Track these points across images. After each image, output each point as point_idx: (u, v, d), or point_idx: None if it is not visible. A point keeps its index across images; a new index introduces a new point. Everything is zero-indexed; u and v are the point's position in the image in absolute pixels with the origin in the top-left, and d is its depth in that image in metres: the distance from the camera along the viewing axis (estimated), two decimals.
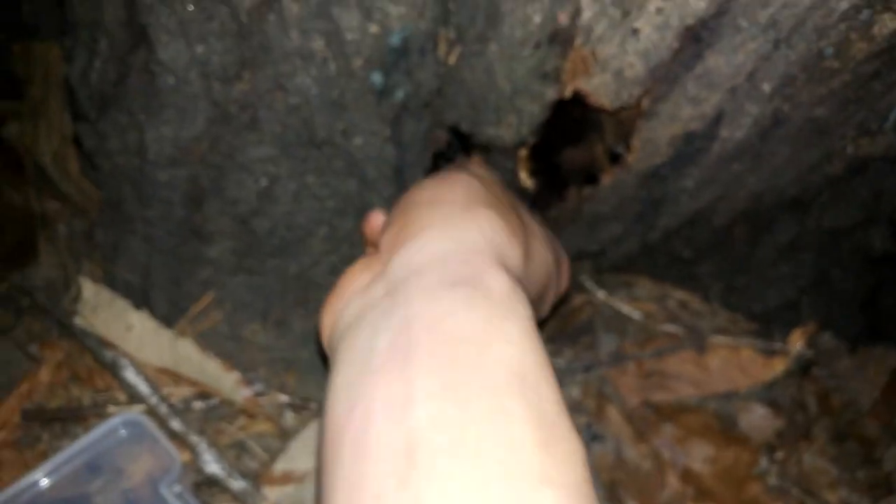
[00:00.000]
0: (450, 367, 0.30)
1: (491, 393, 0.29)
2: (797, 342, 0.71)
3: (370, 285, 0.37)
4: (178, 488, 0.53)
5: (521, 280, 0.37)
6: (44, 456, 0.55)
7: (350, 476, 0.29)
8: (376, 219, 0.47)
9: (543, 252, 0.45)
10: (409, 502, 0.27)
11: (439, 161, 0.63)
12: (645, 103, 0.53)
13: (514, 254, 0.38)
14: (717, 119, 0.52)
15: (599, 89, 0.53)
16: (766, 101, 0.50)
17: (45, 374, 0.57)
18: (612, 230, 0.66)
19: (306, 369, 0.60)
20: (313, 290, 0.58)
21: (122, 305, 0.57)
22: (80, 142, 0.58)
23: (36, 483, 0.51)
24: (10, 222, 0.64)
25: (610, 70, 0.51)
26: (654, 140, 0.56)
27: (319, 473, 0.32)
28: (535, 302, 0.42)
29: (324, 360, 0.60)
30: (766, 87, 0.48)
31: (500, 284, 0.34)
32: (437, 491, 0.27)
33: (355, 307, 0.36)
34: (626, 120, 0.58)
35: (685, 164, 0.57)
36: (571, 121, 0.60)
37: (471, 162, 0.56)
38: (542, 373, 0.31)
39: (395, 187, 0.57)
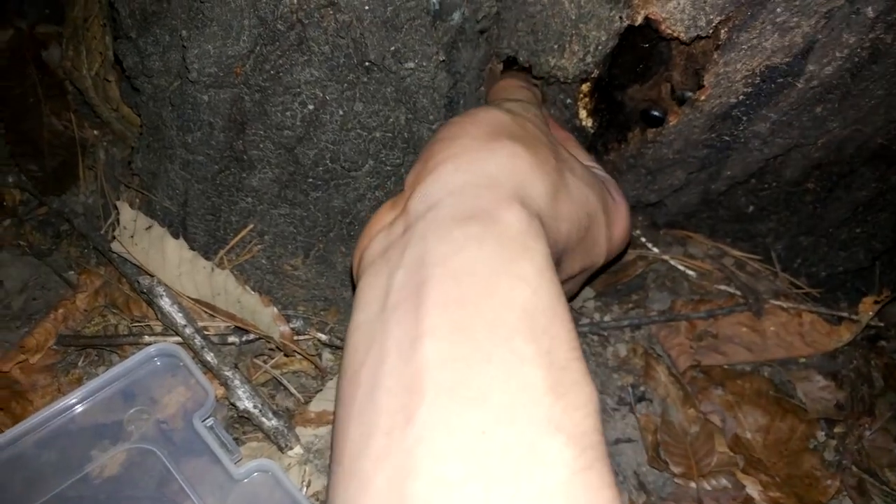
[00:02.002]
0: (459, 306, 0.30)
1: (500, 333, 0.29)
2: (867, 311, 0.66)
3: (393, 223, 0.36)
4: (210, 422, 0.52)
5: (545, 217, 0.36)
6: (79, 382, 0.54)
7: (365, 411, 0.29)
8: None
9: (583, 190, 0.42)
10: (414, 439, 0.27)
11: None
12: (723, 32, 0.49)
13: (538, 189, 0.36)
14: (806, 51, 0.48)
15: (674, 15, 0.48)
16: (867, 30, 0.45)
17: (81, 301, 0.55)
18: (673, 178, 0.62)
19: (347, 309, 0.58)
20: (357, 226, 0.56)
21: (159, 233, 0.55)
22: (121, 62, 0.56)
23: (70, 408, 0.50)
24: (51, 147, 0.63)
25: None
26: (730, 76, 0.51)
27: (337, 409, 0.33)
28: (568, 243, 0.40)
29: None
30: (870, 12, 0.43)
31: (515, 219, 0.33)
32: (441, 430, 0.27)
33: (378, 245, 0.36)
34: (700, 53, 0.53)
35: (762, 104, 0.53)
36: (639, 54, 0.56)
37: (509, 86, 0.53)
38: (556, 314, 0.30)
39: (446, 119, 0.54)
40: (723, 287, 0.71)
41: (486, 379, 0.27)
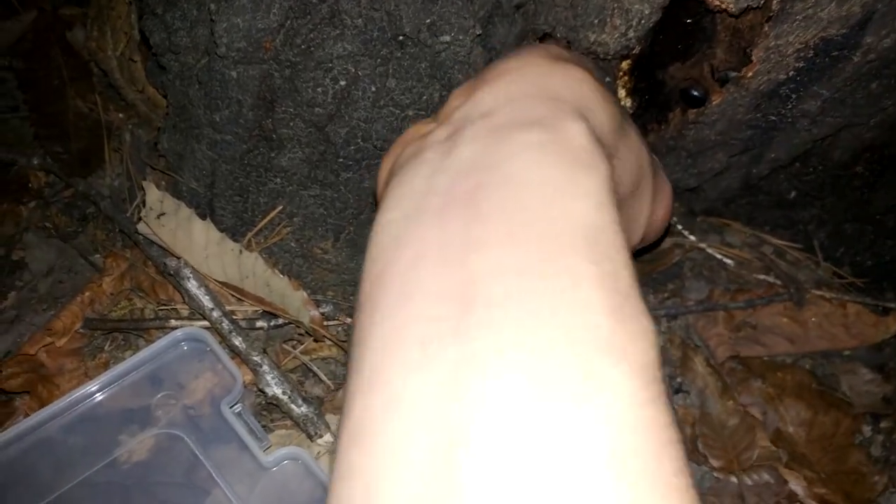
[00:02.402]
0: (515, 214, 0.26)
1: (560, 248, 0.26)
2: None
3: (432, 131, 0.32)
4: (238, 408, 0.50)
5: (607, 148, 0.32)
6: (105, 366, 0.53)
7: (392, 318, 0.26)
8: None
9: (640, 144, 0.39)
10: (461, 353, 0.24)
11: None
12: (775, 2, 0.46)
13: (602, 117, 0.33)
14: (865, 21, 0.45)
15: None
16: None
17: (108, 284, 0.54)
18: (714, 161, 0.59)
19: None
20: None
21: (186, 214, 0.54)
22: (147, 39, 0.54)
23: (97, 392, 0.49)
24: (76, 129, 0.62)
25: None
26: (781, 49, 0.49)
27: (355, 314, 0.29)
28: (620, 193, 0.37)
29: None
30: None
31: (579, 133, 0.29)
32: (492, 344, 0.24)
33: (413, 148, 0.32)
34: (747, 27, 0.51)
35: (814, 80, 0.50)
36: (681, 30, 0.54)
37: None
38: (618, 238, 0.27)
39: None
40: (762, 276, 0.68)
41: (544, 295, 0.25)
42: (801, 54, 0.48)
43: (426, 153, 0.31)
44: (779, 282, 0.68)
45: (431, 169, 0.30)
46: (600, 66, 0.55)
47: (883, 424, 0.62)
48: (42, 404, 0.50)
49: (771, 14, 0.47)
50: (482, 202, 0.27)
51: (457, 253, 0.26)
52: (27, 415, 0.50)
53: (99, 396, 0.50)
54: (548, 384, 0.23)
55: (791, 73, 0.50)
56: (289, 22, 0.48)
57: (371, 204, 0.54)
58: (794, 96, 0.52)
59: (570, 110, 0.30)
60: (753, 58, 0.49)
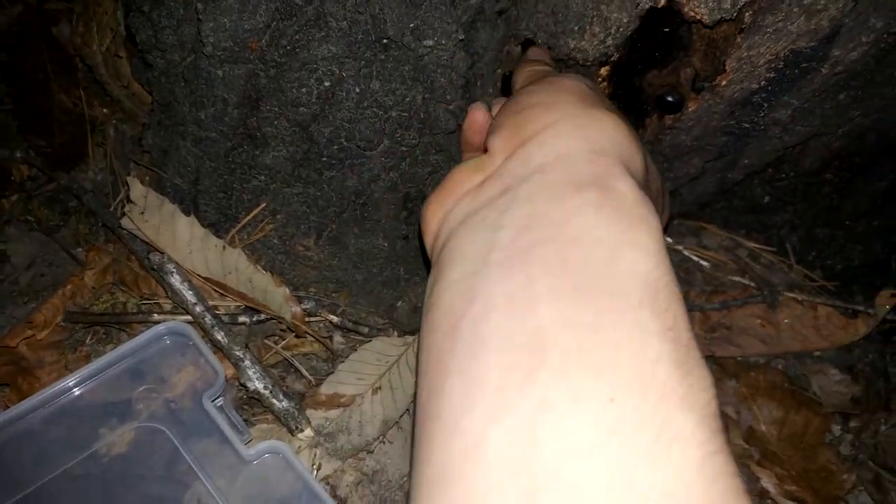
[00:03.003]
0: (578, 269, 0.29)
1: (624, 303, 0.28)
2: (883, 305, 0.65)
3: (484, 185, 0.35)
4: (220, 402, 0.51)
5: (645, 190, 0.35)
6: (86, 359, 0.53)
7: (468, 368, 0.28)
8: (479, 114, 0.47)
9: (656, 171, 0.42)
10: (535, 399, 0.25)
11: (509, 83, 0.58)
12: (747, 15, 0.48)
13: (636, 162, 0.35)
14: (832, 35, 0.47)
15: None
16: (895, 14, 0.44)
17: (90, 278, 0.55)
18: (690, 166, 0.61)
19: (359, 292, 0.57)
20: (371, 207, 0.55)
21: (170, 210, 0.54)
22: (133, 36, 0.55)
23: (78, 385, 0.50)
24: (60, 123, 0.62)
25: None
26: (753, 60, 0.50)
27: (423, 371, 0.31)
28: None
29: (419, 265, 0.57)
30: None
31: (629, 189, 0.31)
32: (566, 392, 0.25)
33: (467, 206, 0.34)
34: (721, 37, 0.52)
35: (784, 90, 0.52)
36: (658, 38, 0.55)
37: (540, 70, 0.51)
38: (674, 288, 0.29)
39: (462, 101, 0.53)
40: (737, 278, 0.70)
41: (613, 347, 0.26)
42: (772, 65, 0.50)
43: (484, 211, 0.33)
44: (753, 284, 0.70)
45: (492, 226, 0.32)
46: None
47: (852, 424, 0.64)
48: (22, 397, 0.50)
49: (743, 26, 0.48)
50: (546, 257, 0.29)
51: (525, 305, 0.28)
52: (7, 407, 0.50)
53: (79, 389, 0.50)
54: (624, 434, 0.24)
55: (763, 83, 0.52)
56: (275, 23, 0.48)
57: (355, 203, 0.55)
58: (765, 105, 0.53)
59: (616, 165, 0.32)
60: (727, 67, 0.51)
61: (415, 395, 0.34)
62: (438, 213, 0.37)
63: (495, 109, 0.52)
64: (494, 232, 0.31)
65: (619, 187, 0.31)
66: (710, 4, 0.47)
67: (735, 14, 0.48)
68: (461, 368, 0.28)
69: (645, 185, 0.36)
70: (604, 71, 0.56)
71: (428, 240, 0.38)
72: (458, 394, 0.27)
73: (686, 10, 0.48)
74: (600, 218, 0.30)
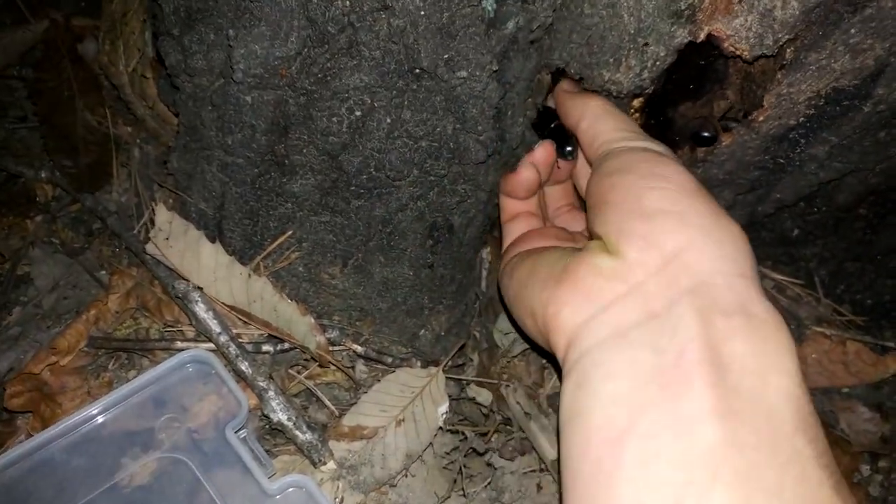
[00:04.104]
0: (733, 394, 0.31)
1: (780, 427, 0.30)
2: None
3: (628, 299, 0.36)
4: (243, 433, 0.50)
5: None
6: (109, 385, 0.52)
7: (639, 479, 0.30)
8: (529, 173, 0.53)
9: None
10: None
11: (545, 118, 0.58)
12: (789, 52, 0.47)
13: (754, 267, 0.37)
14: (877, 74, 0.46)
15: (740, 33, 0.46)
16: None
17: (113, 302, 0.54)
18: (720, 198, 0.60)
19: (383, 320, 0.57)
20: (397, 236, 0.54)
21: (195, 236, 0.54)
22: (162, 59, 0.54)
23: (100, 413, 0.49)
24: (85, 143, 0.62)
25: (757, 10, 0.45)
26: (792, 97, 0.49)
27: (576, 472, 0.34)
28: None
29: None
30: None
31: (768, 314, 0.34)
32: None
33: (613, 320, 0.36)
34: (759, 72, 0.51)
35: (823, 127, 0.51)
36: (694, 71, 0.54)
37: (598, 108, 0.51)
38: (812, 406, 0.32)
39: (493, 131, 0.52)
40: None
41: (778, 469, 0.29)
42: (813, 102, 0.49)
43: (636, 333, 0.35)
44: None
45: (649, 349, 0.34)
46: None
47: (881, 464, 0.63)
48: (44, 424, 0.49)
49: (784, 62, 0.47)
50: (703, 381, 0.31)
51: (691, 424, 0.30)
52: (29, 434, 0.50)
53: (102, 417, 0.49)
54: None
55: (801, 120, 0.51)
56: (306, 50, 0.48)
57: (382, 232, 0.54)
58: (803, 141, 0.52)
59: (753, 287, 0.35)
60: (765, 103, 0.50)
61: (560, 491, 0.37)
62: (576, 317, 0.38)
63: (539, 153, 0.54)
64: (654, 355, 0.33)
65: (760, 314, 0.33)
66: (752, 40, 0.46)
67: (776, 50, 0.47)
68: (632, 478, 0.31)
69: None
70: (637, 102, 0.55)
71: (558, 340, 0.39)
72: (631, 502, 0.30)
73: (726, 45, 0.48)
74: (747, 346, 0.32)
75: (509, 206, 0.57)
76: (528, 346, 0.61)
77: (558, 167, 0.55)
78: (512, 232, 0.55)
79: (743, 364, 0.32)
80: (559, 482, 0.36)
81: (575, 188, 0.59)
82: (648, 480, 0.30)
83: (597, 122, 0.49)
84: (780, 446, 0.29)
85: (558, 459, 0.39)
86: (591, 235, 0.43)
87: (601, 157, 0.46)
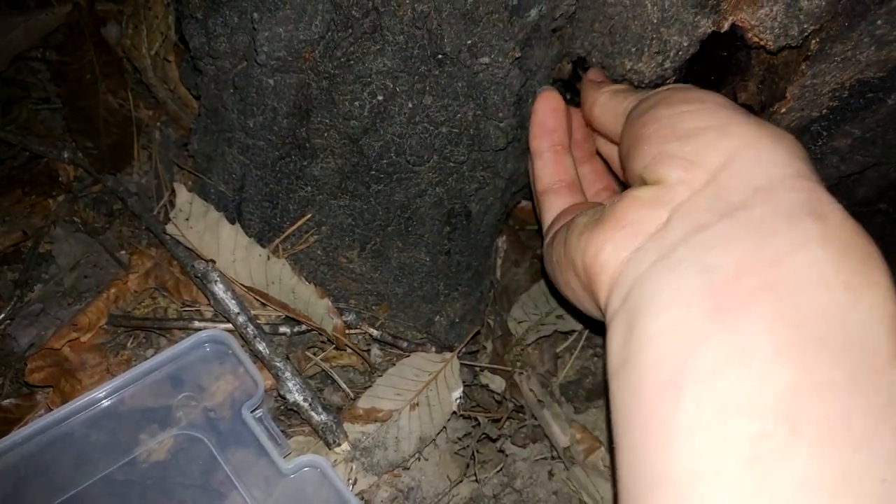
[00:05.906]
0: (813, 318, 0.25)
1: (877, 358, 0.24)
2: None
3: (671, 221, 0.31)
4: (259, 413, 0.51)
5: None
6: (128, 363, 0.53)
7: (702, 430, 0.25)
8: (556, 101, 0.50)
9: None
10: (792, 475, 0.23)
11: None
12: (814, 43, 0.47)
13: (819, 176, 0.31)
14: None
15: (765, 23, 0.46)
16: None
17: (132, 282, 0.55)
18: None
19: (398, 305, 0.57)
20: (416, 222, 0.54)
21: (215, 217, 0.54)
22: (185, 42, 0.55)
23: (119, 389, 0.50)
24: (106, 125, 0.62)
25: (783, 0, 0.44)
26: (816, 89, 0.49)
27: (628, 423, 0.28)
28: None
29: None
30: None
31: (844, 217, 0.28)
32: (829, 471, 0.23)
33: (657, 245, 0.31)
34: (782, 63, 0.51)
35: (847, 119, 0.51)
36: (715, 61, 0.54)
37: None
38: None
39: (514, 118, 0.52)
40: None
41: (877, 415, 0.23)
42: (836, 94, 0.49)
43: (682, 250, 0.29)
44: None
45: (697, 268, 0.28)
46: None
47: None
48: (64, 399, 0.50)
49: (809, 53, 0.47)
50: (771, 305, 0.26)
51: (762, 363, 0.25)
52: (49, 409, 0.51)
53: (120, 394, 0.50)
54: None
55: (824, 112, 0.50)
56: (330, 34, 0.48)
57: (400, 217, 0.54)
58: (825, 133, 0.52)
59: (821, 189, 0.29)
60: (788, 94, 0.50)
61: (610, 439, 0.31)
62: (620, 252, 0.32)
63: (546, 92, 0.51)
64: (702, 274, 0.27)
65: (834, 216, 0.27)
66: (777, 31, 0.46)
67: (801, 41, 0.47)
68: (692, 428, 0.25)
69: None
70: None
71: (601, 285, 0.34)
72: (694, 456, 0.25)
73: (750, 35, 0.47)
74: (821, 254, 0.26)
75: (545, 169, 0.50)
76: (541, 336, 0.61)
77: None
78: (552, 206, 0.49)
79: (817, 278, 0.25)
80: (609, 449, 0.31)
81: (608, 167, 0.56)
82: (715, 434, 0.25)
83: (620, 92, 0.46)
84: (881, 383, 0.24)
85: (607, 422, 0.32)
86: (630, 184, 0.38)
87: (630, 111, 0.42)
